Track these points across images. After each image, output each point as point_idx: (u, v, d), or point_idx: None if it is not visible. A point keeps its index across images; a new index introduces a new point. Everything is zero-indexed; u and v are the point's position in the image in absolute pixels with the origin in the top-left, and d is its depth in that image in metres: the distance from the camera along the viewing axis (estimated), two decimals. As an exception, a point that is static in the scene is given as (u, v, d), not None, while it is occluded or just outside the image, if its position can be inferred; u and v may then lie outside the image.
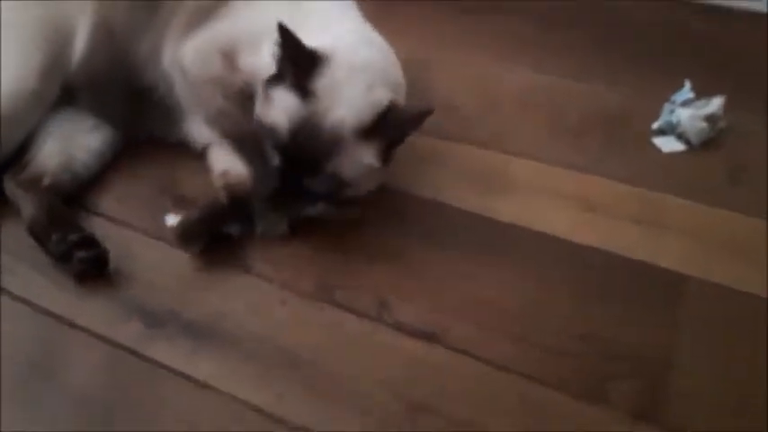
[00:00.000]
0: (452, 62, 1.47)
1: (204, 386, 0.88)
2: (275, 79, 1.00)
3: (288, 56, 0.97)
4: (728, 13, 1.62)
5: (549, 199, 1.15)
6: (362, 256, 1.05)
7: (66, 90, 1.16)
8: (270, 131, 0.99)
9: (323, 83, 0.97)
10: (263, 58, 1.02)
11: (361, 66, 1.00)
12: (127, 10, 1.13)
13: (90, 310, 0.98)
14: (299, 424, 0.84)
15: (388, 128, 0.99)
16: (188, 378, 0.89)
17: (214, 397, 0.87)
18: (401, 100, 1.05)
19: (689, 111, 1.23)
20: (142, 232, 1.09)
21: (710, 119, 1.22)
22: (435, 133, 1.27)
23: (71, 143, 1.15)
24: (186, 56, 1.10)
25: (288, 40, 0.95)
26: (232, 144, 1.11)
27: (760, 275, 1.01)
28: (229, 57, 1.07)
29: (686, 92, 1.28)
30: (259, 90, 1.02)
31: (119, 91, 1.16)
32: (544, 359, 0.91)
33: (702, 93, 1.29)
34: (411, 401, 0.86)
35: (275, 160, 1.00)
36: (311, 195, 1.01)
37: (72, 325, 0.95)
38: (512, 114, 1.33)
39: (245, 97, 1.06)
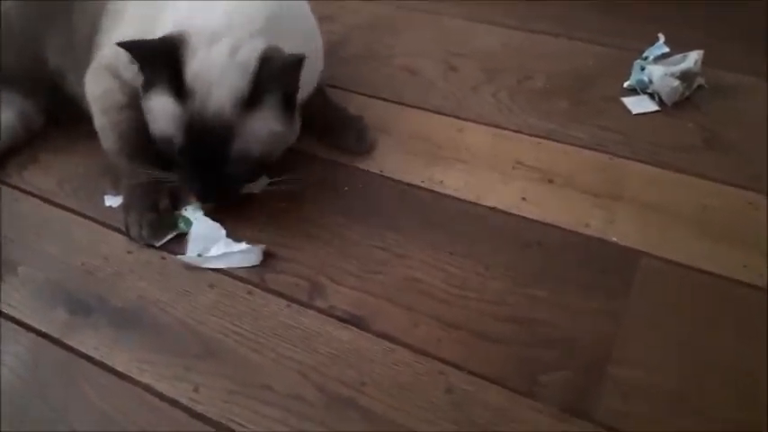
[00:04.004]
0: (419, 21, 1.39)
1: (122, 377, 0.86)
2: (147, 88, 0.94)
3: (146, 65, 0.92)
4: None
5: (503, 169, 1.08)
6: (301, 235, 1.00)
7: None
8: (166, 142, 0.95)
9: (191, 73, 0.91)
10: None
11: (218, 29, 0.92)
12: (20, 13, 1.11)
13: (20, 296, 0.96)
14: (213, 418, 0.81)
15: (270, 83, 0.92)
16: (108, 369, 0.87)
17: (130, 388, 0.84)
18: (294, 36, 0.98)
19: (661, 67, 1.13)
20: (80, 214, 1.07)
21: (685, 76, 1.12)
22: (388, 98, 1.22)
23: None
24: (86, 82, 1.06)
25: (135, 50, 0.91)
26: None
27: (727, 250, 0.94)
28: (116, 74, 1.02)
29: (660, 46, 1.17)
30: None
31: (45, 87, 1.14)
32: (474, 346, 0.86)
33: (680, 47, 1.18)
34: (332, 394, 0.82)
35: (183, 164, 0.96)
36: (234, 180, 0.97)
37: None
38: (474, 76, 1.25)
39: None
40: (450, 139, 1.14)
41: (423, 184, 1.07)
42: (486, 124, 1.16)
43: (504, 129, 1.15)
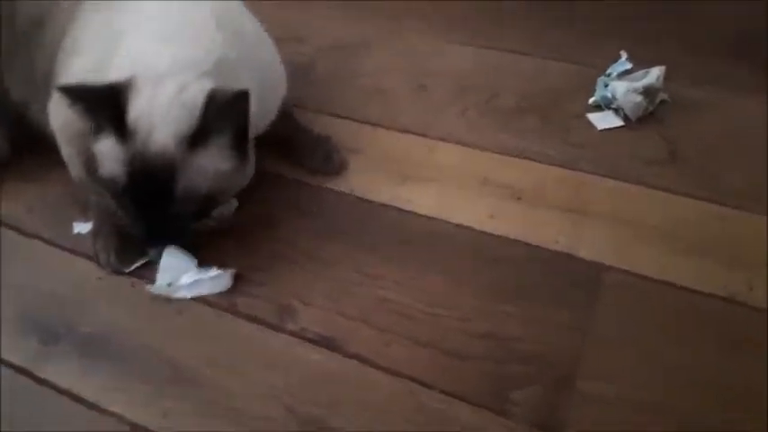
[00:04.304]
0: (388, 41, 1.40)
1: (92, 406, 0.85)
2: (96, 133, 0.92)
3: (88, 109, 0.90)
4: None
5: (473, 188, 1.09)
6: (272, 258, 1.00)
7: None
8: (110, 184, 0.92)
9: (135, 114, 0.89)
10: None
11: (165, 71, 0.90)
12: None
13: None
14: (184, 444, 0.81)
15: (216, 120, 0.89)
16: (77, 398, 0.86)
17: (100, 417, 0.84)
18: (248, 74, 0.96)
19: (624, 84, 1.15)
20: (49, 242, 1.06)
21: (648, 92, 1.14)
22: (358, 119, 1.23)
23: None
24: (49, 114, 1.04)
25: (77, 95, 0.89)
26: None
27: (692, 262, 0.95)
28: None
29: (622, 63, 1.20)
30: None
31: (9, 117, 1.14)
32: (446, 364, 0.86)
33: (644, 63, 1.20)
34: (303, 415, 0.82)
35: (128, 205, 0.93)
36: (182, 219, 0.94)
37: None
38: (443, 95, 1.26)
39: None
40: (420, 157, 1.15)
41: (393, 204, 1.07)
42: (455, 143, 1.17)
43: (473, 147, 1.16)
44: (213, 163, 0.91)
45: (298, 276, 0.98)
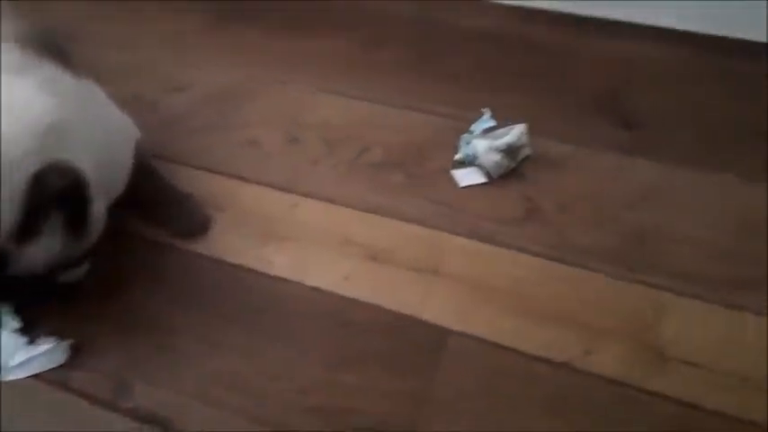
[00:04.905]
0: (269, 92, 1.39)
1: None
2: None
3: None
4: (571, 23, 1.55)
5: (333, 247, 1.08)
6: (115, 326, 0.98)
7: None
8: None
9: None
10: None
11: None
12: None
13: None
14: None
15: (46, 207, 0.84)
16: None
17: None
18: (90, 138, 0.92)
19: (486, 141, 1.16)
20: None
21: (509, 150, 1.15)
22: (227, 173, 1.21)
23: None
24: None
25: None
26: None
27: (533, 326, 0.96)
28: None
29: (485, 120, 1.21)
30: None
31: None
32: (276, 442, 0.85)
33: (512, 118, 1.22)
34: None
35: None
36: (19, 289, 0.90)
37: None
38: (315, 149, 1.26)
39: None
40: (285, 215, 1.14)
41: (253, 265, 1.06)
42: (320, 199, 1.16)
43: (338, 204, 1.15)
44: (46, 247, 0.86)
45: (140, 347, 0.95)
